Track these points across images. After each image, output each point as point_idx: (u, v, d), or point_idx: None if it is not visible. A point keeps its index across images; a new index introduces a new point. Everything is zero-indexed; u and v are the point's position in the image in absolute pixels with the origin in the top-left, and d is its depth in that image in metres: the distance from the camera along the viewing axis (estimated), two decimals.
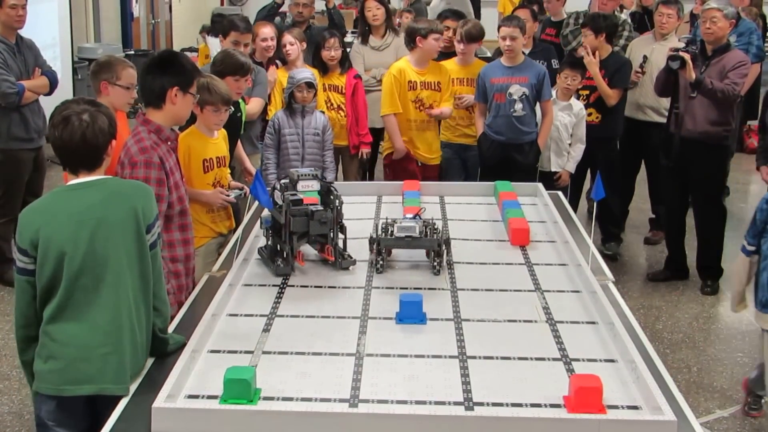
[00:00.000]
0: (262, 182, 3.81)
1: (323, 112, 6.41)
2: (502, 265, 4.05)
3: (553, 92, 6.74)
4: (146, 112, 3.86)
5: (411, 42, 6.49)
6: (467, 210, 4.93)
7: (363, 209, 4.88)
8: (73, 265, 2.95)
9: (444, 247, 3.93)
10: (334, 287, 3.74)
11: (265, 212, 4.10)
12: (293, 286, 3.75)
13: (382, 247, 3.93)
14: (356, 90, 6.82)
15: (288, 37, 6.88)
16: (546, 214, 4.80)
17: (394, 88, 6.51)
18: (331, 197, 3.97)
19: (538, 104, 6.61)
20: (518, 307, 3.52)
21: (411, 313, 3.34)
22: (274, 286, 3.73)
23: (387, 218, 4.13)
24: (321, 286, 3.75)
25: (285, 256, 3.88)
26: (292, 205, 3.84)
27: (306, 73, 6.19)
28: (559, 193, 5.31)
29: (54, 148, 3.10)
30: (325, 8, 8.97)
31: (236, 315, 3.44)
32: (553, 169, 6.83)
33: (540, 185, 5.25)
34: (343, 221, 4.01)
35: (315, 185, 4.01)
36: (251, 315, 3.43)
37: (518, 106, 6.47)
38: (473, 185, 5.56)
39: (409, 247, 3.95)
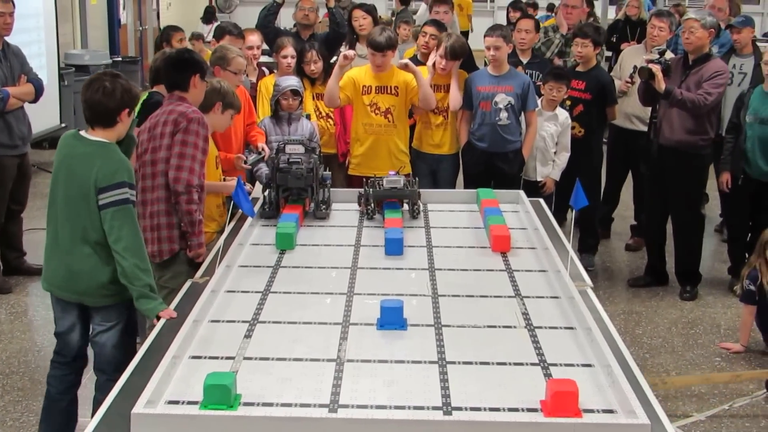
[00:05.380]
0: (244, 190, 3.86)
1: (309, 117, 6.41)
2: (482, 271, 4.06)
3: (539, 103, 6.75)
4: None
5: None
6: (449, 217, 4.95)
7: (348, 217, 4.90)
8: (51, 194, 3.99)
9: (418, 198, 4.87)
10: (317, 293, 3.75)
11: (265, 170, 5.27)
12: (276, 292, 3.75)
13: (372, 197, 4.80)
14: None
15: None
16: (527, 221, 4.82)
17: (346, 89, 6.37)
18: (311, 159, 4.70)
19: (522, 114, 6.62)
20: (498, 313, 3.53)
21: (392, 319, 3.34)
22: (256, 292, 3.73)
23: (374, 176, 5.04)
24: (304, 293, 3.75)
25: (270, 203, 4.75)
26: (278, 163, 4.70)
27: (291, 80, 6.20)
28: (541, 200, 5.32)
29: (83, 106, 3.95)
30: (326, 8, 8.92)
31: (218, 321, 3.43)
32: (538, 179, 6.85)
33: (521, 193, 5.27)
34: (327, 180, 4.87)
35: (300, 149, 4.72)
36: (233, 321, 3.43)
37: (503, 114, 6.47)
38: (456, 193, 5.59)
39: (394, 197, 4.80)
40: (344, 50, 6.76)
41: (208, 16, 16.66)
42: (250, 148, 5.83)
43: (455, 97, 6.55)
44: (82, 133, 3.95)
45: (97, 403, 4.43)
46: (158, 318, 3.63)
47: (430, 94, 6.38)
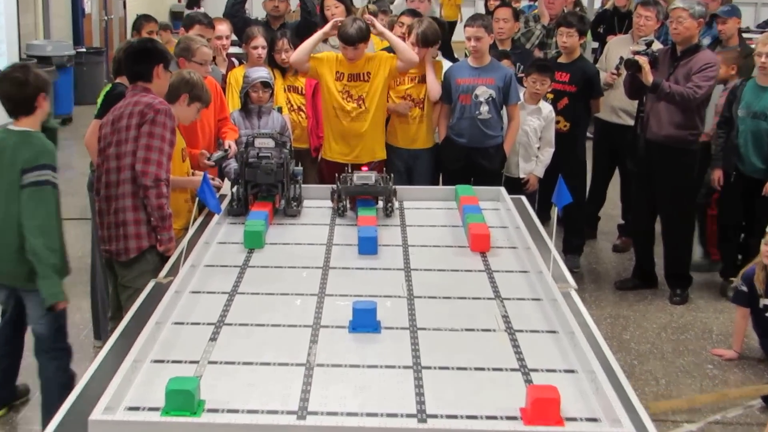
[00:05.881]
0: (210, 185, 3.84)
1: (280, 110, 6.38)
2: (461, 272, 4.05)
3: (521, 96, 6.75)
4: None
5: None
6: (426, 215, 4.94)
7: (320, 214, 4.88)
8: None
9: (393, 195, 4.83)
10: (287, 294, 3.72)
11: (234, 165, 5.30)
12: (243, 293, 3.72)
13: (344, 193, 4.78)
14: (316, 90, 6.79)
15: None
16: (508, 220, 4.81)
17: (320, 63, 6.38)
18: (282, 153, 4.70)
19: (504, 108, 6.62)
20: (477, 316, 3.52)
21: (364, 322, 3.32)
22: (222, 293, 3.70)
23: (347, 170, 4.96)
24: (272, 294, 3.73)
25: (238, 200, 4.70)
26: (247, 158, 4.68)
27: (261, 72, 6.18)
28: (523, 198, 5.31)
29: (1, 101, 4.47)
30: None
31: (182, 323, 3.40)
32: (521, 175, 6.85)
33: (502, 189, 5.26)
34: (298, 175, 4.85)
35: (270, 143, 4.70)
36: (198, 323, 3.40)
37: (484, 108, 6.47)
38: (433, 189, 5.56)
39: (366, 193, 4.78)
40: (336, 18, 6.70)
41: (191, 3, 16.75)
42: (221, 146, 5.78)
43: (433, 87, 6.53)
44: (9, 126, 4.43)
45: (45, 406, 4.50)
46: (52, 308, 4.20)
47: (404, 46, 6.38)
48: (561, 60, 7.28)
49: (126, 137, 4.51)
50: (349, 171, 4.95)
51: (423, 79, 6.58)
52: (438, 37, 6.56)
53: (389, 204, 4.83)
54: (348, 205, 4.84)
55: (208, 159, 5.47)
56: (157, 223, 4.53)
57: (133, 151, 4.48)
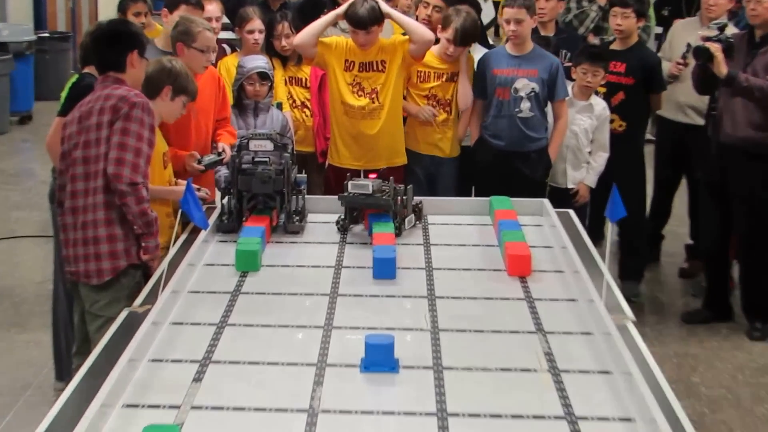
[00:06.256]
0: (195, 195, 3.84)
1: (280, 107, 6.41)
2: (495, 300, 4.05)
3: (570, 90, 6.75)
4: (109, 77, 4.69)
5: None
6: (455, 232, 4.95)
7: (327, 231, 4.89)
8: None
9: (407, 208, 4.78)
10: (287, 326, 3.72)
11: (224, 172, 5.33)
12: (235, 325, 3.73)
13: (342, 204, 4.77)
14: (323, 83, 6.81)
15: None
16: (553, 238, 4.81)
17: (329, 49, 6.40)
18: (282, 158, 4.71)
19: (549, 105, 6.62)
20: (514, 353, 3.51)
21: (379, 359, 3.31)
22: (209, 325, 3.71)
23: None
24: (270, 326, 3.73)
25: (230, 213, 4.72)
26: (240, 163, 4.68)
27: (258, 61, 6.21)
28: (571, 212, 5.31)
29: None
30: None
31: (160, 360, 3.41)
32: (569, 186, 6.84)
33: (546, 202, 5.27)
34: (302, 184, 4.85)
35: (268, 145, 4.72)
36: (179, 361, 3.40)
37: (525, 105, 6.48)
38: (463, 201, 5.57)
39: (363, 206, 4.78)
40: None
41: None
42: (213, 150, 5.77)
43: (464, 94, 6.55)
44: None
45: None
46: None
47: (416, 24, 6.42)
48: (615, 47, 7.28)
49: (96, 138, 4.53)
50: (362, 178, 4.96)
51: (452, 77, 6.61)
52: (478, 32, 6.59)
53: (399, 220, 4.78)
54: (349, 220, 4.83)
55: (199, 162, 5.50)
56: (142, 230, 4.57)
57: (106, 154, 4.49)
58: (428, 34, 6.33)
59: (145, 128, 4.54)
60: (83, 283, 4.65)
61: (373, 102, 6.37)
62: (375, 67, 6.38)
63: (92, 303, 4.63)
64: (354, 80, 6.37)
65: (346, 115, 6.42)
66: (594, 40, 8.10)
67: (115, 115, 4.51)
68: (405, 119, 6.64)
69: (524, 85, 6.47)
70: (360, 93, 6.38)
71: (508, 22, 6.49)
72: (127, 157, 4.47)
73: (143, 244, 4.61)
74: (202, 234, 4.52)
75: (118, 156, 4.47)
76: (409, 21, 6.43)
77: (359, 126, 6.42)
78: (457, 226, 5.05)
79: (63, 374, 5.80)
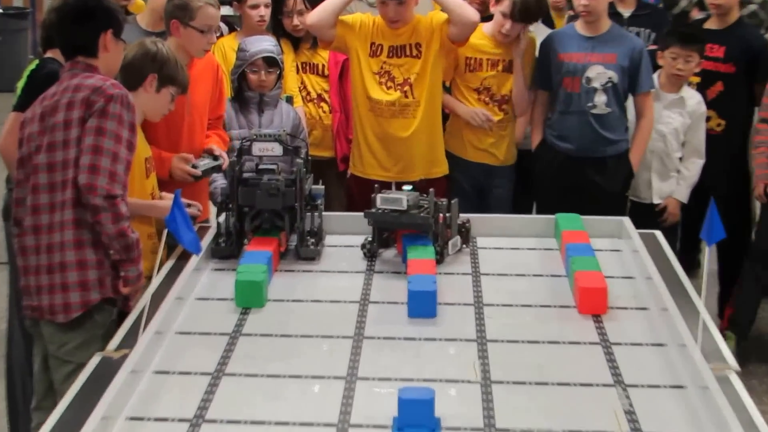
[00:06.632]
0: (184, 211, 3.83)
1: (291, 101, 6.41)
2: (562, 344, 4.03)
3: (656, 81, 6.73)
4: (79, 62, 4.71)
5: None
6: (511, 258, 4.96)
7: (350, 256, 4.90)
8: None
9: (450, 227, 4.77)
10: (300, 377, 3.72)
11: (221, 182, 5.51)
12: (234, 375, 3.73)
13: (369, 223, 4.78)
14: (345, 71, 6.82)
15: None
16: (635, 266, 4.80)
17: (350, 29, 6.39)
18: (294, 165, 4.73)
19: (630, 98, 6.60)
20: (587, 411, 3.50)
21: (416, 419, 3.29)
22: (203, 375, 3.70)
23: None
24: (278, 376, 3.73)
25: (228, 235, 4.77)
26: (240, 172, 4.70)
27: (264, 43, 6.21)
28: (657, 233, 5.29)
29: None
30: None
31: (141, 419, 3.41)
32: (655, 200, 6.82)
33: (626, 220, 5.27)
34: (318, 198, 4.88)
35: (276, 149, 4.76)
36: (165, 419, 3.41)
37: (600, 98, 6.46)
38: (522, 220, 5.54)
39: (399, 226, 4.77)
40: None
41: None
42: (205, 153, 5.82)
43: (520, 90, 6.52)
44: None
45: None
46: None
47: (456, 1, 6.27)
48: (710, 25, 7.25)
49: (64, 139, 4.50)
50: (393, 190, 4.95)
51: (510, 67, 6.62)
52: (544, 6, 6.59)
53: (440, 243, 4.76)
54: (378, 243, 4.83)
55: (194, 167, 5.51)
56: (120, 256, 4.55)
57: (76, 159, 4.46)
58: (471, 13, 6.26)
59: (125, 127, 4.51)
60: (47, 320, 4.63)
61: (406, 96, 6.34)
62: (408, 52, 6.36)
63: (59, 345, 4.60)
64: (381, 68, 6.36)
65: (372, 112, 6.40)
66: (699, 15, 8.01)
67: (87, 111, 4.48)
68: (445, 116, 6.62)
69: (599, 74, 6.46)
70: (389, 85, 6.36)
71: None
72: (102, 164, 4.42)
73: (122, 273, 4.59)
74: (194, 260, 4.53)
75: (91, 162, 4.42)
76: None
77: (388, 127, 6.40)
78: (513, 251, 5.06)
79: None
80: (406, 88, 6.34)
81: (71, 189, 4.47)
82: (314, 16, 6.37)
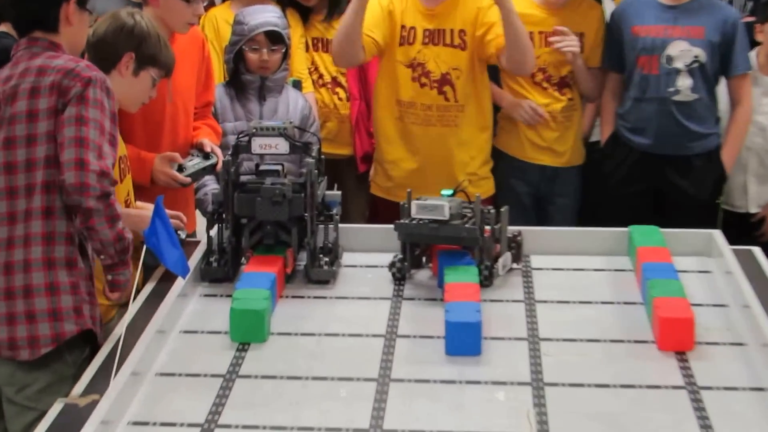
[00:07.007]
0: (168, 223, 3.85)
1: (299, 85, 6.42)
2: (639, 388, 4.03)
3: (753, 61, 6.73)
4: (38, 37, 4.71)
5: None
6: (574, 281, 4.97)
7: (374, 278, 4.93)
8: None
9: (499, 242, 4.76)
10: (310, 429, 3.73)
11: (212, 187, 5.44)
12: (229, 427, 3.74)
13: (400, 237, 4.75)
14: None
15: None
16: (728, 292, 4.81)
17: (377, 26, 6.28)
18: (303, 166, 4.77)
19: (722, 82, 6.60)
20: None
21: None
22: (191, 426, 3.72)
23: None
24: (283, 428, 3.74)
25: (222, 251, 4.76)
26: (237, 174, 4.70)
27: (267, 14, 6.22)
28: (756, 249, 5.29)
29: None
30: None
31: None
32: (752, 209, 6.82)
33: (717, 234, 5.28)
34: (334, 206, 4.90)
35: (281, 145, 4.73)
36: None
37: (684, 82, 6.47)
38: (587, 233, 5.55)
39: (437, 240, 4.74)
40: None
41: None
42: (194, 150, 5.87)
43: (583, 76, 6.51)
44: None
45: None
46: None
47: (526, 41, 6.19)
48: None
49: (29, 134, 4.48)
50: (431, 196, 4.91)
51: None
52: None
53: (486, 264, 4.74)
54: (409, 263, 4.83)
55: (180, 169, 5.53)
56: (112, 261, 4.50)
57: (46, 158, 4.44)
58: (532, 61, 6.24)
59: (107, 116, 4.50)
60: (5, 358, 4.60)
61: (448, 100, 6.31)
62: (449, 39, 6.34)
63: (19, 388, 4.54)
64: (414, 60, 6.33)
65: (402, 120, 6.39)
66: None
67: (60, 99, 4.45)
68: (495, 108, 6.62)
69: (682, 52, 6.46)
70: (424, 81, 6.33)
71: None
72: (90, 158, 4.35)
73: (109, 277, 4.54)
74: (179, 284, 4.55)
75: (77, 156, 4.34)
76: (512, 13, 6.03)
77: (423, 137, 6.40)
78: (576, 272, 5.08)
79: None
80: (446, 87, 6.31)
81: (41, 195, 4.43)
82: (335, 49, 6.30)
